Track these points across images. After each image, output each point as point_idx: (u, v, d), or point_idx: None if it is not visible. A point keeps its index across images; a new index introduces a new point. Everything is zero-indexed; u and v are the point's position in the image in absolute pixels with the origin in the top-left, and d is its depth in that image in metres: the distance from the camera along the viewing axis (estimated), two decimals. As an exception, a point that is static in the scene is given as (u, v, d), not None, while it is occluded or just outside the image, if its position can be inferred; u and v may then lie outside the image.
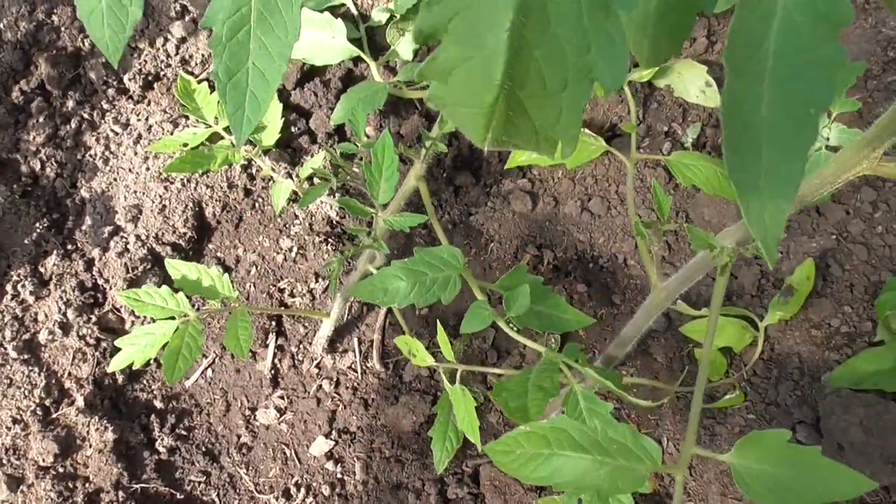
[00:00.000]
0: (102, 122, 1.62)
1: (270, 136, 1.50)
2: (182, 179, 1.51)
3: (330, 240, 1.49)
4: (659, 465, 0.79)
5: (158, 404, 1.46)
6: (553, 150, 0.49)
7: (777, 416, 1.18)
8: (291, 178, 1.47)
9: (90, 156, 1.60)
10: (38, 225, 1.55)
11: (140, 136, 1.59)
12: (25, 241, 1.53)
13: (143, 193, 1.51)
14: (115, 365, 1.16)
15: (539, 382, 0.99)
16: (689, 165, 1.20)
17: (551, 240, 1.37)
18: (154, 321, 1.18)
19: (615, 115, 1.37)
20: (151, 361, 1.48)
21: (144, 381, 1.48)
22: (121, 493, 1.37)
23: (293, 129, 1.56)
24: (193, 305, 1.23)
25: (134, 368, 1.38)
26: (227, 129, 1.51)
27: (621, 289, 1.33)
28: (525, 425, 0.81)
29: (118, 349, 1.48)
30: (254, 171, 1.52)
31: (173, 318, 1.19)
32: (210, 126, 1.52)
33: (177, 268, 1.23)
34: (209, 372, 1.49)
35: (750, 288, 1.25)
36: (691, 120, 1.35)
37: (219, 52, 0.88)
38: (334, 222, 1.51)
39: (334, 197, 1.46)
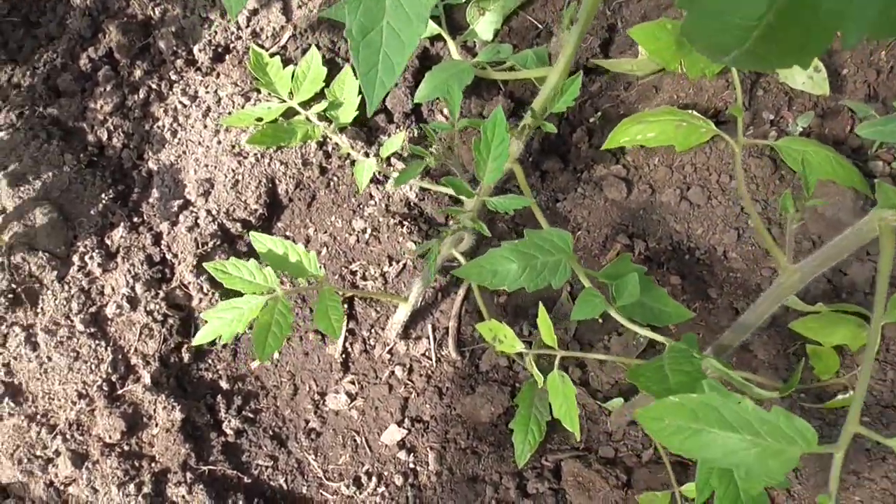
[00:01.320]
0: (170, 93, 1.58)
1: (348, 114, 1.45)
2: (256, 154, 1.46)
3: (405, 222, 1.45)
4: (815, 447, 0.75)
5: (224, 385, 1.42)
6: (809, 61, 0.45)
7: (894, 420, 1.14)
8: (367, 157, 1.43)
9: (158, 127, 1.55)
10: (104, 196, 1.50)
11: (209, 108, 1.54)
12: (91, 212, 1.48)
13: (215, 167, 1.47)
14: (201, 338, 1.11)
15: (677, 367, 0.95)
16: (800, 150, 1.16)
17: (644, 229, 1.32)
18: (225, 289, 1.13)
19: (721, 101, 1.32)
20: (217, 341, 1.44)
21: (210, 361, 1.44)
22: (188, 474, 1.32)
23: (370, 107, 1.51)
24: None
25: (221, 343, 1.34)
26: (302, 105, 1.47)
27: (718, 283, 1.28)
28: (675, 396, 0.77)
29: (185, 325, 1.45)
30: (329, 148, 1.47)
31: (260, 292, 1.14)
32: (284, 101, 1.47)
33: (262, 241, 1.18)
34: (276, 354, 1.44)
35: (863, 285, 1.20)
36: (797, 109, 1.30)
37: (353, 8, 0.83)
38: (412, 204, 1.47)
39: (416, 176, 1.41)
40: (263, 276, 1.15)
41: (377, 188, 1.46)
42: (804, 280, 0.96)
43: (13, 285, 1.40)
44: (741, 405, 0.75)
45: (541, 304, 1.10)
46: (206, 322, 1.12)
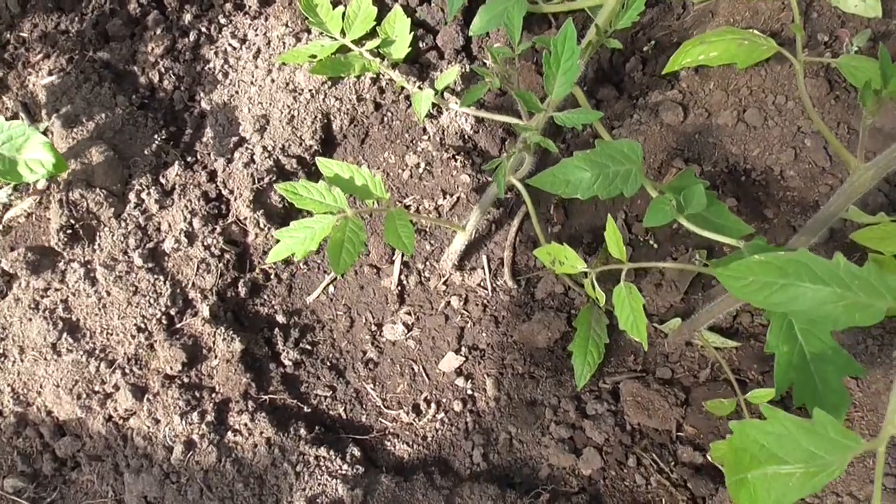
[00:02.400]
0: (220, 36, 1.59)
1: (400, 50, 1.46)
2: (311, 90, 1.48)
3: (459, 156, 1.46)
4: (903, 303, 0.77)
5: (281, 319, 1.43)
6: None
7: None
8: (423, 90, 1.44)
9: (209, 69, 1.56)
10: (156, 136, 1.51)
11: (259, 50, 1.55)
12: (145, 152, 1.50)
13: (270, 104, 1.48)
14: (275, 255, 1.13)
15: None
16: (859, 67, 1.17)
17: (700, 153, 1.34)
18: (284, 221, 1.14)
19: (777, 22, 1.34)
20: (272, 273, 1.46)
21: (265, 296, 1.45)
22: (250, 403, 1.34)
23: (421, 45, 1.53)
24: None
25: (255, 277, 1.35)
26: (355, 42, 1.48)
27: (775, 202, 1.30)
28: (760, 255, 0.80)
29: (241, 261, 1.46)
30: (383, 84, 1.49)
31: (329, 213, 1.16)
32: (336, 39, 1.48)
33: (328, 166, 1.20)
34: (331, 289, 1.46)
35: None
36: (852, 31, 1.32)
37: None
38: (466, 137, 1.48)
39: (472, 107, 1.43)
40: (333, 196, 1.16)
41: (431, 122, 1.48)
42: (877, 177, 0.98)
43: (71, 221, 1.42)
44: (833, 261, 0.77)
45: (609, 216, 1.12)
46: (277, 241, 1.14)
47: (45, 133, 1.50)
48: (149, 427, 1.34)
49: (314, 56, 1.46)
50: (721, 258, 1.01)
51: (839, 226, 1.23)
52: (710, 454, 1.17)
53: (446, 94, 1.46)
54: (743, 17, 1.34)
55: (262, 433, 1.32)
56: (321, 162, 1.20)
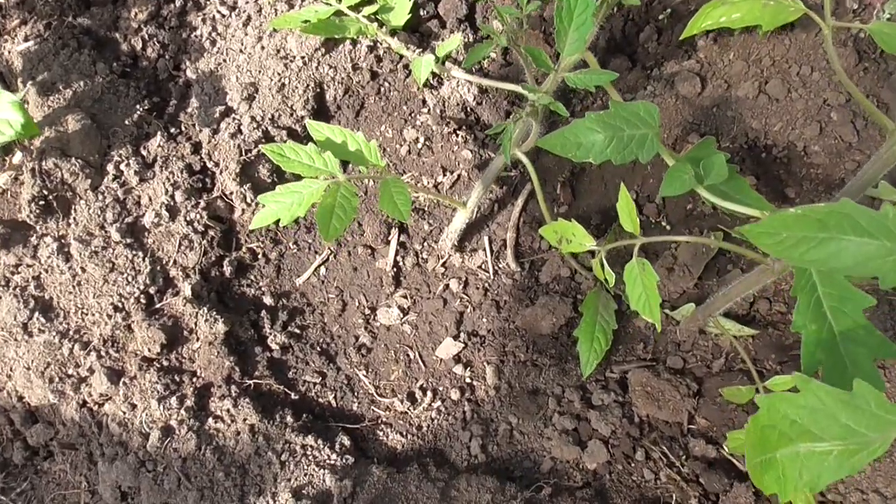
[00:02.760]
0: (208, 2, 1.51)
1: (399, 17, 1.38)
2: (303, 57, 1.39)
3: (460, 130, 1.38)
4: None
5: (268, 301, 1.35)
6: None
7: None
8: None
9: (196, 36, 1.48)
10: (138, 106, 1.43)
11: (250, 17, 1.47)
12: (126, 122, 1.41)
13: (259, 72, 1.40)
14: (258, 221, 1.04)
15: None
16: (892, 34, 1.10)
17: (717, 127, 1.25)
18: (276, 188, 1.06)
19: (801, -14, 1.27)
20: (259, 253, 1.37)
21: (252, 277, 1.37)
22: (233, 388, 1.25)
23: (421, 13, 1.45)
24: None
25: (241, 256, 1.27)
26: (351, 8, 1.40)
27: (798, 180, 1.22)
28: (796, 208, 0.72)
29: (227, 238, 1.37)
30: (381, 52, 1.40)
31: (319, 177, 1.07)
32: (331, 4, 1.40)
33: (319, 129, 1.11)
34: (322, 270, 1.37)
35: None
36: (881, -2, 1.25)
37: None
38: (468, 109, 1.40)
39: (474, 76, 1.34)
40: (324, 161, 1.08)
41: (431, 94, 1.39)
42: (916, 142, 0.90)
43: (44, 192, 1.33)
44: (881, 212, 0.69)
45: (622, 186, 1.04)
46: (234, 225, 1.05)
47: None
48: (124, 413, 1.25)
49: (307, 22, 1.38)
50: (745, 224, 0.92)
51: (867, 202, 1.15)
52: (726, 445, 1.08)
53: (448, 64, 1.38)
54: (765, -18, 1.26)
55: (245, 420, 1.23)
56: (311, 124, 1.12)
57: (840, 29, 1.26)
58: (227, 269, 1.35)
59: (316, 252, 1.39)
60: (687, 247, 1.29)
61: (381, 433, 1.26)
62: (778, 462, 0.71)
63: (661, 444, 1.18)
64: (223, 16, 1.49)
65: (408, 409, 1.27)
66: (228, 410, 1.23)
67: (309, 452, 1.21)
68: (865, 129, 1.20)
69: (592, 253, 1.27)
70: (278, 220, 1.04)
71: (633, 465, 1.18)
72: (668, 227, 1.29)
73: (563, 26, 1.01)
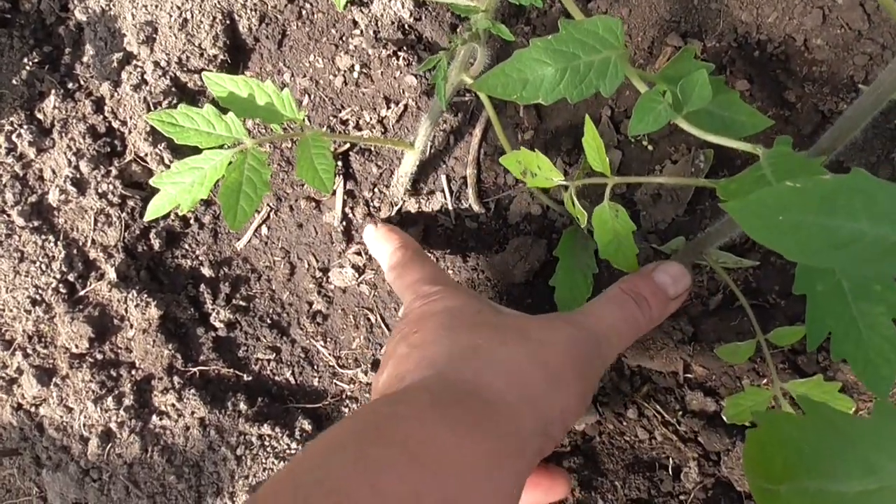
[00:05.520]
0: (90, -77, 1.26)
1: (312, -80, 1.14)
2: (204, -16, 1.17)
3: (401, 53, 1.17)
4: None
5: (207, 272, 1.19)
6: None
7: None
8: (346, -27, 1.13)
9: (80, -32, 1.25)
10: (26, 61, 1.22)
11: (141, -63, 1.23)
12: (14, 82, 1.21)
13: (157, 6, 1.18)
14: (153, 211, 0.88)
15: (785, 171, 0.71)
16: None
17: (701, 24, 1.05)
18: (200, 152, 0.88)
19: None
20: (191, 217, 1.21)
21: (186, 246, 1.21)
22: (176, 379, 1.12)
23: (339, -89, 1.20)
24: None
25: (170, 223, 1.11)
26: (254, -85, 1.15)
27: (798, 82, 1.02)
28: (792, 182, 0.53)
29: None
30: (295, -33, 1.18)
31: (224, 146, 0.89)
32: (231, -87, 1.16)
33: (219, 82, 0.92)
34: (264, 230, 1.21)
35: None
36: None
37: None
38: (406, 27, 1.18)
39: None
40: (226, 125, 0.90)
41: (361, 12, 1.18)
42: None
43: (-69, 178, 1.15)
44: None
45: (587, 118, 0.85)
46: (157, 190, 0.88)
47: None
48: (61, 416, 1.13)
49: (204, -62, 1.14)
50: (732, 177, 0.75)
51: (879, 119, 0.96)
52: (724, 413, 0.95)
53: (376, -26, 1.15)
54: None
55: (193, 413, 1.11)
56: (208, 77, 0.93)
57: None
58: (156, 242, 1.19)
59: (256, 209, 1.22)
60: (673, 168, 1.11)
61: (346, 410, 1.14)
62: (783, 498, 0.57)
63: (654, 398, 1.06)
64: (110, -62, 1.25)
65: (373, 379, 1.14)
66: (173, 405, 1.11)
67: (266, 443, 1.09)
68: (877, 12, 0.98)
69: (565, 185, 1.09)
70: (178, 206, 0.87)
71: (625, 424, 1.06)
72: (649, 148, 1.11)
73: (496, -74, 0.79)
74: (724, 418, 0.96)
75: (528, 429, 0.69)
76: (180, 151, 1.19)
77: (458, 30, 1.18)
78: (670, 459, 1.02)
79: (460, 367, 0.74)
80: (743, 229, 0.56)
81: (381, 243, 1.06)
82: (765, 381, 1.02)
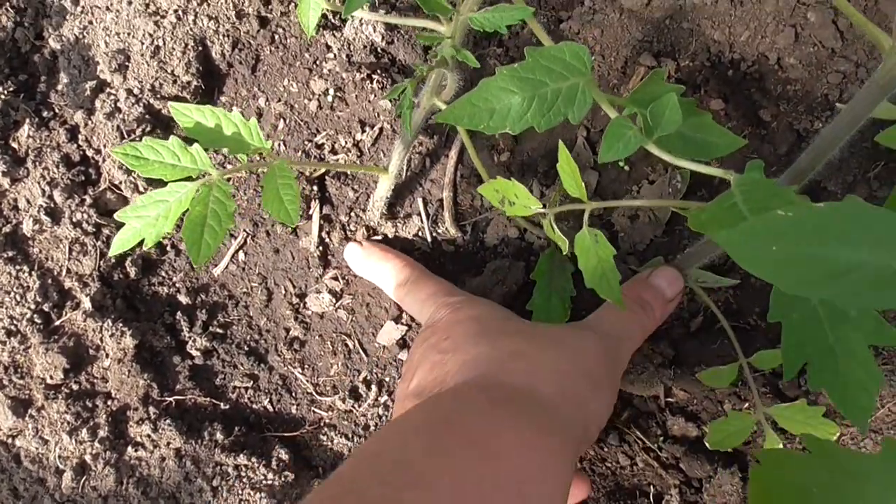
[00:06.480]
0: (64, -50, 1.26)
1: (284, -56, 1.13)
2: (176, 11, 1.16)
3: (375, 76, 1.16)
4: None
5: (183, 299, 1.18)
6: None
7: None
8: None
9: (54, -5, 1.24)
10: (1, 90, 1.22)
11: (114, -36, 1.23)
12: (-12, 111, 1.20)
13: (129, 34, 1.17)
14: (118, 246, 0.87)
15: (757, 201, 0.70)
16: None
17: (673, 44, 1.03)
18: (165, 184, 0.87)
19: None
20: (167, 244, 1.20)
21: (163, 273, 1.20)
22: (151, 409, 1.11)
23: (312, -65, 1.20)
24: (215, 163, 0.92)
25: (147, 251, 1.09)
26: (226, -60, 1.15)
27: (772, 100, 1.01)
28: (782, 210, 0.51)
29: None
30: (268, -8, 1.17)
31: (191, 178, 0.88)
32: (203, -62, 1.15)
33: (185, 113, 0.91)
34: (241, 255, 1.20)
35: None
36: None
37: None
38: (379, 50, 1.17)
39: (379, 12, 1.12)
40: (191, 157, 0.89)
41: (334, 36, 1.17)
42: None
43: None
44: None
45: (561, 144, 0.84)
46: (122, 225, 0.87)
47: None
48: (37, 448, 1.12)
49: (176, -35, 1.14)
50: (703, 206, 0.74)
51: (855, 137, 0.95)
52: (707, 440, 0.93)
53: (349, -2, 1.14)
54: None
55: (168, 444, 1.09)
56: (175, 108, 0.92)
57: None
58: (132, 270, 1.18)
59: (232, 235, 1.21)
60: (650, 188, 1.10)
61: (324, 437, 1.13)
62: None
63: (636, 424, 1.04)
64: (83, -35, 1.24)
65: (352, 406, 1.13)
66: (149, 435, 1.10)
67: (243, 473, 1.08)
68: (850, 29, 0.97)
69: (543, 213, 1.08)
70: (142, 241, 0.86)
71: (605, 450, 1.04)
72: (626, 168, 1.09)
73: (460, -48, 0.79)
74: (707, 445, 0.95)
75: (576, 429, 0.75)
76: (155, 179, 1.18)
77: (429, 53, 1.17)
78: (651, 486, 1.00)
79: (509, 370, 0.77)
80: (735, 261, 0.54)
81: (378, 262, 1.08)
82: (746, 405, 1.01)
